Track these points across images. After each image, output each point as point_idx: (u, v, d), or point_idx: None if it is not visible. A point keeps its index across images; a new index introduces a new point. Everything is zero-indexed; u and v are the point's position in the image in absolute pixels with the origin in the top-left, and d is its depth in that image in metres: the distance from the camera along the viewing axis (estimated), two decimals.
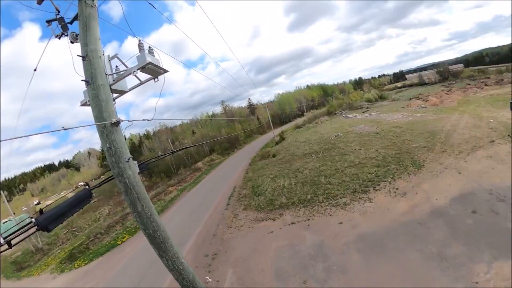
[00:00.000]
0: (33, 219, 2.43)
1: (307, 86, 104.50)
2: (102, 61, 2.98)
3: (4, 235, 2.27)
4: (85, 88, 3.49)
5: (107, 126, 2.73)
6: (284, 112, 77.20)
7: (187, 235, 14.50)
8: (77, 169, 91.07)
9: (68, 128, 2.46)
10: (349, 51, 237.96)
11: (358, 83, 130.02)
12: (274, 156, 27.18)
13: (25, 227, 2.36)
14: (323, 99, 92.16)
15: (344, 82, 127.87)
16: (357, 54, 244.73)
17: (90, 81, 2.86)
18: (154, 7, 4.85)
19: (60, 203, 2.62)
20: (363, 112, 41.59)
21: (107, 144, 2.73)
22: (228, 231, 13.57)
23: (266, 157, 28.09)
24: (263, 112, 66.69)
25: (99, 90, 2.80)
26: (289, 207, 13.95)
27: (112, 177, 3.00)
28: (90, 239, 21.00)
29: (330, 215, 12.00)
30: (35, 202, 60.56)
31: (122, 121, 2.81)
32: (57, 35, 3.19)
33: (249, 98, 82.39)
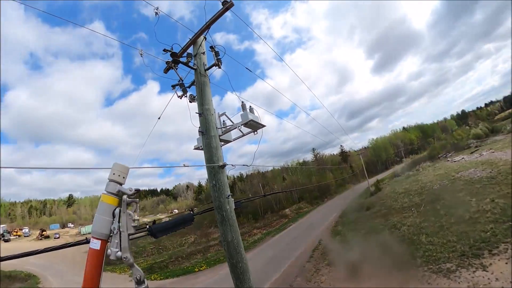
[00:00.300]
0: (147, 226, 3.10)
1: (404, 128, 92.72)
2: (214, 117, 3.99)
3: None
4: (198, 136, 4.61)
5: (215, 168, 3.49)
6: (379, 159, 69.63)
7: (264, 279, 14.07)
8: (175, 198, 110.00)
9: (188, 166, 3.32)
10: (444, 82, 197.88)
11: (462, 117, 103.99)
12: (368, 209, 24.74)
13: (140, 230, 3.08)
14: (423, 142, 77.51)
15: (445, 119, 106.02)
16: (455, 84, 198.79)
17: (205, 132, 3.84)
18: (250, 70, 6.13)
19: (168, 220, 3.36)
20: (471, 153, 32.78)
21: (213, 182, 3.45)
22: (307, 285, 12.36)
23: (358, 210, 25.99)
24: (357, 160, 62.10)
25: (211, 139, 3.71)
26: (379, 268, 11.58)
27: (211, 209, 3.63)
28: (171, 260, 23.52)
29: (429, 283, 9.29)
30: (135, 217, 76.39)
31: (227, 165, 3.53)
32: (179, 96, 4.57)
33: (341, 145, 79.77)
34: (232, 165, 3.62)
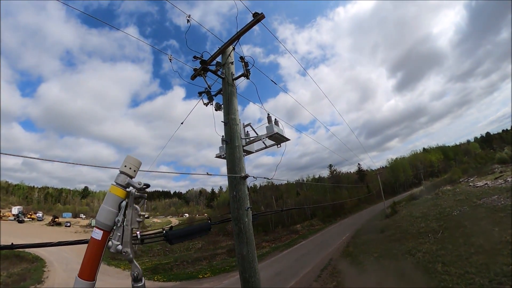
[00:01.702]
0: (164, 231, 3.02)
1: (424, 149, 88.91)
2: (239, 127, 3.99)
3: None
4: (220, 145, 4.62)
5: (237, 178, 3.46)
6: (397, 180, 66.97)
7: None
8: (187, 202, 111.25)
9: (211, 175, 3.32)
10: (468, 102, 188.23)
11: (486, 140, 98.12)
12: (382, 231, 23.83)
13: (157, 234, 3.03)
14: (444, 164, 73.79)
15: (468, 141, 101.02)
16: (479, 104, 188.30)
17: (229, 141, 3.84)
18: (275, 83, 6.15)
19: (186, 227, 3.33)
20: (496, 178, 30.49)
21: (234, 192, 3.41)
22: None
23: (373, 232, 25.01)
24: (374, 179, 59.94)
25: (234, 149, 3.70)
26: None
27: (229, 219, 3.58)
28: (176, 263, 23.46)
29: None
30: (145, 215, 77.90)
31: (249, 176, 3.49)
32: (205, 103, 4.62)
33: (359, 164, 77.61)
34: (254, 177, 3.58)
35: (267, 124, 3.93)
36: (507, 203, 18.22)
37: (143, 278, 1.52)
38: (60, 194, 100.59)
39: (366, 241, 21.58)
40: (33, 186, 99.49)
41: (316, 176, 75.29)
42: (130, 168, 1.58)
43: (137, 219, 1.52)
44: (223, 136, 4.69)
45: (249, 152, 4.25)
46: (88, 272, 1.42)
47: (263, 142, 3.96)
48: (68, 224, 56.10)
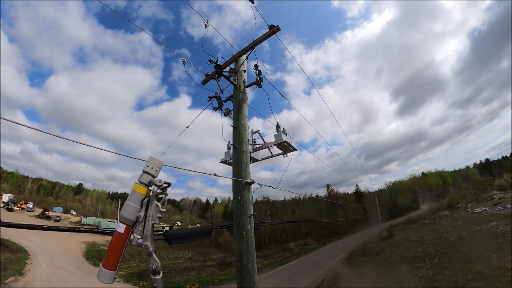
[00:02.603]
0: (164, 230, 2.97)
1: (423, 173, 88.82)
2: (248, 133, 4.01)
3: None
4: (226, 150, 4.62)
5: (242, 184, 3.44)
6: (395, 203, 66.50)
7: None
8: (180, 210, 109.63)
9: (218, 176, 3.29)
10: (468, 128, 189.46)
11: (485, 166, 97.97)
12: (378, 254, 23.51)
13: (156, 233, 2.95)
14: (443, 189, 73.50)
15: (467, 167, 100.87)
16: (479, 131, 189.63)
17: (237, 146, 3.85)
18: (283, 95, 6.23)
19: (187, 228, 3.26)
20: (494, 205, 30.07)
21: (238, 197, 3.38)
22: None
23: (368, 254, 24.67)
24: (371, 201, 59.37)
25: (242, 154, 3.70)
26: None
27: (230, 225, 3.53)
28: (164, 271, 22.61)
29: None
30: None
31: (254, 182, 3.48)
32: (215, 108, 4.67)
33: (357, 185, 77.66)
34: (259, 184, 3.55)
35: (276, 133, 3.96)
36: (506, 230, 18.02)
37: (161, 271, 1.66)
38: (53, 187, 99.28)
39: (361, 263, 21.17)
40: (27, 176, 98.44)
41: (314, 195, 74.92)
42: (152, 168, 1.76)
43: (158, 215, 1.65)
44: (229, 141, 4.71)
45: (254, 160, 4.24)
46: (111, 262, 1.59)
47: (270, 150, 3.98)
48: (58, 218, 54.96)
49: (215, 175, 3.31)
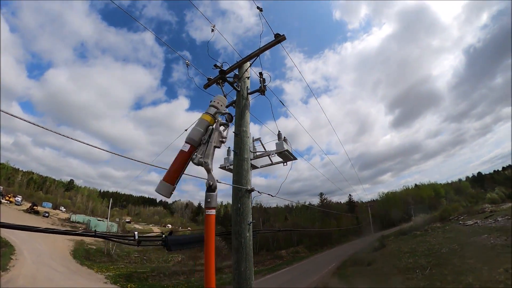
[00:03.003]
0: (163, 235, 2.93)
1: (416, 185, 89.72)
2: (249, 140, 4.02)
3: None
4: (225, 156, 4.61)
5: (242, 191, 3.43)
6: (388, 214, 66.93)
7: None
8: (172, 213, 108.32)
9: (221, 182, 3.29)
10: (462, 142, 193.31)
11: (478, 180, 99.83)
12: (369, 264, 23.45)
13: (155, 238, 2.93)
14: (435, 201, 74.29)
15: (460, 180, 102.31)
16: (472, 145, 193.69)
17: (239, 153, 3.85)
18: (283, 103, 6.28)
19: (187, 234, 3.23)
20: (486, 218, 30.53)
21: (238, 205, 3.36)
22: None
23: (359, 264, 24.57)
24: (364, 211, 59.49)
25: (243, 161, 3.70)
26: None
27: (229, 232, 3.50)
28: (153, 273, 22.37)
29: None
30: (127, 220, 74.77)
31: (254, 190, 3.47)
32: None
33: (350, 194, 78.38)
34: (259, 191, 3.55)
35: (277, 141, 3.98)
36: (497, 243, 18.25)
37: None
38: (44, 182, 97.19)
39: (352, 273, 21.12)
40: (18, 169, 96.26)
41: (306, 203, 75.03)
42: (218, 103, 2.10)
43: (220, 139, 1.93)
44: (229, 147, 4.70)
45: (254, 167, 4.25)
46: (171, 176, 1.83)
47: (270, 158, 3.99)
48: (47, 214, 53.62)
49: (217, 181, 3.29)
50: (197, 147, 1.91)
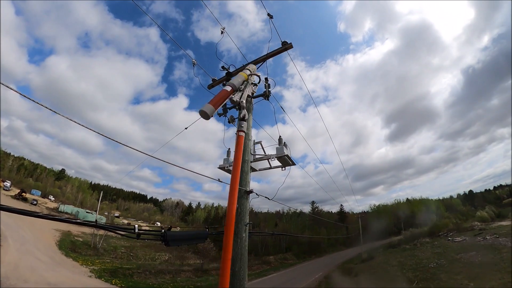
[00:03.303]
0: (162, 230, 2.97)
1: (407, 199, 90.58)
2: (251, 143, 4.11)
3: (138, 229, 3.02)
4: (225, 157, 4.69)
5: (241, 192, 3.51)
6: (378, 226, 67.38)
7: None
8: (161, 210, 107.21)
9: (221, 182, 3.37)
10: (455, 160, 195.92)
11: (469, 198, 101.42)
12: (356, 275, 23.80)
13: (154, 232, 2.97)
14: (425, 216, 74.99)
15: (451, 197, 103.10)
16: (465, 163, 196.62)
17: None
18: (283, 110, 6.40)
19: (185, 230, 3.28)
20: (475, 235, 31.38)
21: (236, 205, 3.44)
22: None
23: (347, 274, 24.88)
24: (354, 222, 59.67)
25: (244, 163, 3.78)
26: None
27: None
28: (138, 271, 22.06)
29: None
30: (116, 214, 73.72)
31: (252, 192, 3.55)
32: (219, 114, 4.78)
33: (341, 204, 78.92)
34: (257, 194, 3.63)
35: (278, 146, 4.07)
36: (484, 260, 18.54)
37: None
38: (35, 169, 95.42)
39: (339, 283, 21.18)
40: (9, 153, 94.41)
41: (298, 211, 75.25)
42: (251, 68, 3.21)
43: (253, 88, 2.99)
44: (229, 148, 4.79)
45: (253, 169, 4.33)
46: (216, 103, 2.41)
47: (269, 162, 4.08)
48: (35, 202, 52.60)
49: (219, 180, 3.37)
50: (235, 91, 2.68)
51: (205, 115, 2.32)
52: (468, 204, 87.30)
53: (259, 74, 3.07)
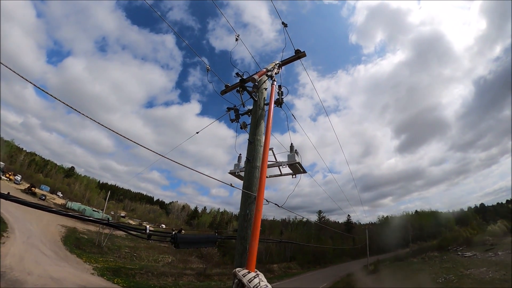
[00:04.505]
0: (173, 232, 2.97)
1: (416, 211, 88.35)
2: (262, 149, 4.12)
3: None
4: (236, 162, 4.71)
5: (251, 197, 3.51)
6: (385, 238, 65.89)
7: None
8: (167, 213, 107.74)
9: (233, 186, 3.38)
10: (466, 172, 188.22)
11: (480, 211, 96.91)
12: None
13: (165, 233, 2.99)
14: (434, 230, 72.67)
15: (462, 210, 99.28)
16: (477, 175, 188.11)
17: (251, 160, 3.94)
18: (294, 117, 6.41)
19: (195, 233, 3.29)
20: (486, 250, 29.83)
21: (247, 211, 3.43)
22: None
23: (351, 287, 24.37)
24: (361, 233, 58.40)
25: (255, 169, 3.78)
26: None
27: (234, 237, 3.56)
28: (141, 271, 22.10)
29: None
30: (122, 214, 74.46)
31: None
32: (231, 120, 4.82)
33: (349, 215, 77.53)
34: (267, 200, 3.62)
35: (289, 153, 4.07)
36: (495, 276, 17.76)
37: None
38: (45, 165, 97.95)
39: None
40: (22, 148, 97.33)
41: (304, 220, 74.25)
42: (270, 65, 3.78)
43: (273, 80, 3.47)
44: (240, 154, 4.81)
45: None
46: (260, 75, 3.48)
47: (280, 169, 4.07)
48: (43, 197, 53.78)
49: (231, 185, 3.38)
50: (268, 71, 3.57)
51: (253, 80, 3.55)
52: (479, 218, 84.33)
53: (277, 66, 3.85)
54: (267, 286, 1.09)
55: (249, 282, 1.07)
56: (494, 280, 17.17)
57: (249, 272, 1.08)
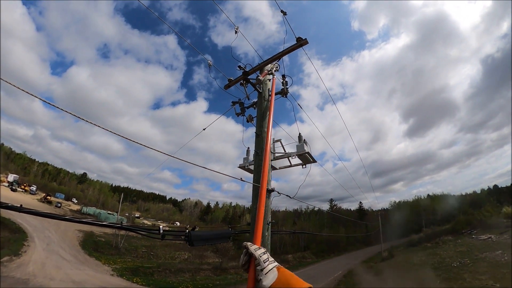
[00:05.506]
0: (186, 230, 2.98)
1: (428, 195, 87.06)
2: (270, 141, 4.06)
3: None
4: (245, 156, 4.66)
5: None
6: (398, 224, 65.41)
7: None
8: (180, 210, 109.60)
9: (244, 181, 3.35)
10: (477, 153, 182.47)
11: (493, 193, 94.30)
12: (377, 274, 23.33)
13: (179, 232, 2.98)
14: (447, 213, 71.65)
15: (475, 192, 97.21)
16: (488, 156, 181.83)
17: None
18: (301, 107, 6.29)
19: (209, 230, 3.29)
20: (501, 233, 29.18)
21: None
22: None
23: (366, 273, 24.37)
24: (374, 220, 58.13)
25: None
26: None
27: (247, 230, 3.55)
28: (159, 269, 22.66)
29: None
30: (136, 215, 75.94)
31: (274, 190, 3.49)
32: (237, 113, 4.75)
33: (360, 202, 77.07)
34: (278, 192, 3.57)
35: (298, 143, 3.99)
36: (511, 260, 17.46)
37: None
38: (58, 173, 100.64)
39: (359, 283, 20.69)
40: (34, 160, 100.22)
41: (316, 209, 74.00)
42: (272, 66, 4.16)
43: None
44: (248, 147, 4.75)
45: (273, 168, 4.28)
46: (263, 76, 4.03)
47: (289, 160, 4.00)
48: (59, 205, 55.42)
49: (241, 179, 3.35)
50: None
51: (259, 81, 3.79)
52: (493, 200, 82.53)
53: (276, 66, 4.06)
54: (275, 263, 1.14)
55: (260, 257, 1.12)
56: (510, 263, 16.85)
57: (259, 248, 1.11)
